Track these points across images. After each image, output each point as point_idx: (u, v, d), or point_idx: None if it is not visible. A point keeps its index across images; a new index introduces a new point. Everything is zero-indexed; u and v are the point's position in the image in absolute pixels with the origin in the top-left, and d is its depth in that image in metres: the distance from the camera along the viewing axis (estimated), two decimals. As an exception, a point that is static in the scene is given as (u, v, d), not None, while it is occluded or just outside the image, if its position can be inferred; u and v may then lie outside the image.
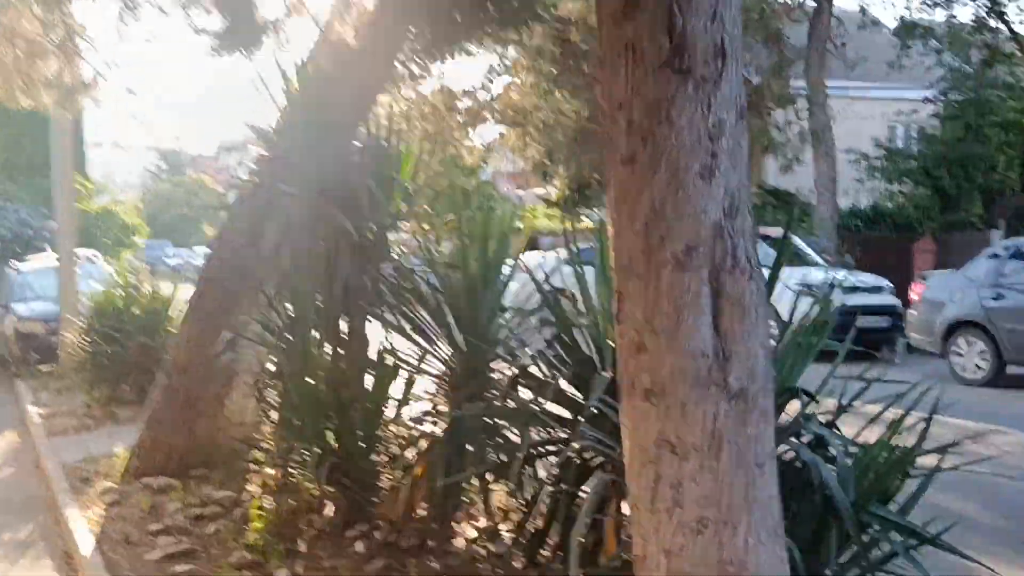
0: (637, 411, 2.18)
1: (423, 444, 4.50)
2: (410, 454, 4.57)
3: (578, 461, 3.41)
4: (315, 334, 4.92)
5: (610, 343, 3.41)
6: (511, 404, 3.76)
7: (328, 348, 4.90)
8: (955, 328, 10.86)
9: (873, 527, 2.78)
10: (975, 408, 8.50)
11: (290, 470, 5.05)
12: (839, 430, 2.89)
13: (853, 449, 2.82)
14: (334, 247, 4.64)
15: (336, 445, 4.74)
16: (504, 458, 3.95)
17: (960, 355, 10.85)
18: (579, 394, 3.46)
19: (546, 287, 3.71)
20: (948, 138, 19.68)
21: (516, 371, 3.65)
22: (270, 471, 5.33)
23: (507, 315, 4.61)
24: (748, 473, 2.10)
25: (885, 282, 13.78)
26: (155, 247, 36.71)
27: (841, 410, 3.00)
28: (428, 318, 4.68)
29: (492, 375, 4.48)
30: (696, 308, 2.13)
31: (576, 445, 2.88)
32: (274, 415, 5.24)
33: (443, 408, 4.58)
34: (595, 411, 3.10)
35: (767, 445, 2.14)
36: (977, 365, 10.73)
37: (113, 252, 19.90)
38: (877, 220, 20.39)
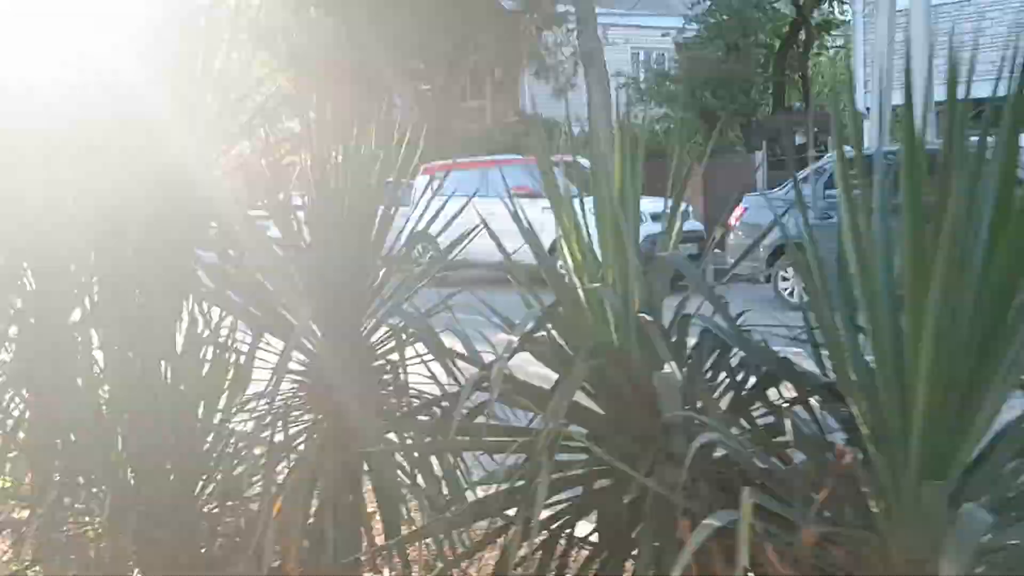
0: None
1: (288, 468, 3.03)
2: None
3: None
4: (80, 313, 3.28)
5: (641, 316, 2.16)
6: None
7: (109, 334, 3.24)
8: (780, 251, 10.46)
9: None
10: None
11: (67, 519, 3.34)
12: None
13: None
14: (121, 177, 2.94)
15: (135, 481, 3.16)
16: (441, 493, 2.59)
17: (787, 279, 10.58)
18: (593, 405, 2.18)
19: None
20: (711, 58, 19.80)
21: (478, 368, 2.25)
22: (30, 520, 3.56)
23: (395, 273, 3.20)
24: None
25: (687, 207, 13.41)
26: None
27: None
28: (265, 279, 3.17)
29: (382, 364, 3.08)
30: None
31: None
32: (23, 436, 3.51)
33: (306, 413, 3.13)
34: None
35: None
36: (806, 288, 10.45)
37: None
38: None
